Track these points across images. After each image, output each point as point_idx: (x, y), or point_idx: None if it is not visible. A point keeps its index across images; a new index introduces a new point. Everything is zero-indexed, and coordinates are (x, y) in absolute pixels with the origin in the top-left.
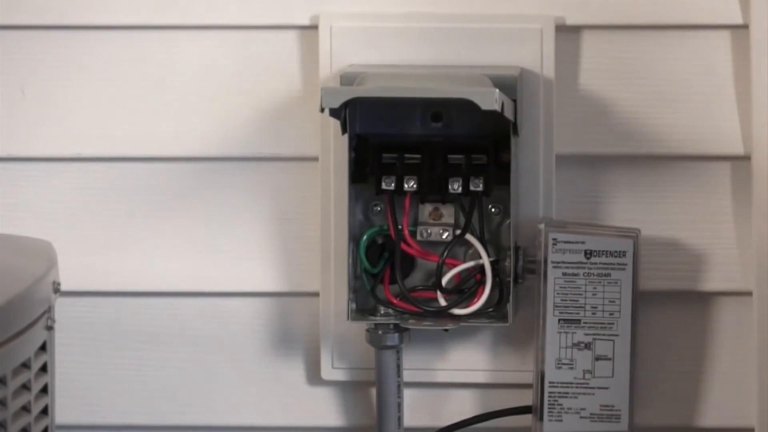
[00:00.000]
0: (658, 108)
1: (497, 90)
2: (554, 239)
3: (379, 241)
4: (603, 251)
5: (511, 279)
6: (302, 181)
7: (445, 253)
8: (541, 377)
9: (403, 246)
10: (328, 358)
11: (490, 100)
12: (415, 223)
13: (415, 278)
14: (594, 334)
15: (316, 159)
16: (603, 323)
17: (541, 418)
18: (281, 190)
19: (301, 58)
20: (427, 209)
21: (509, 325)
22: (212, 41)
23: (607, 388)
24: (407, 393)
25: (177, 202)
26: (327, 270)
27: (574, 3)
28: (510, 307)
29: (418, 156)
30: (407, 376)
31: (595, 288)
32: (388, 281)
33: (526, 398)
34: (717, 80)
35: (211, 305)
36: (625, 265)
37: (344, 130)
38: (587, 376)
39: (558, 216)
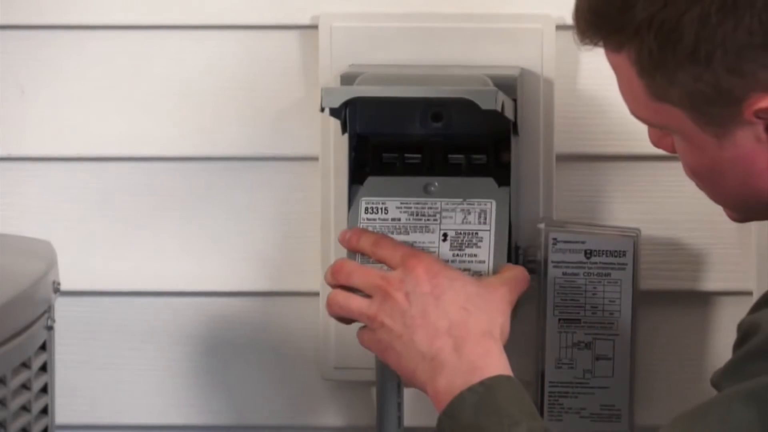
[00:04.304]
0: None
1: (497, 90)
2: (554, 239)
3: None
4: (603, 251)
5: None
6: (302, 181)
7: None
8: (541, 377)
9: None
10: (328, 358)
11: (490, 100)
12: None
13: None
14: (594, 334)
15: (316, 159)
16: (603, 323)
17: (542, 418)
18: (281, 190)
19: (301, 58)
20: None
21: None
22: (212, 41)
23: (607, 388)
24: (407, 393)
25: (177, 202)
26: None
27: (574, 3)
28: None
29: (419, 156)
30: None
31: (595, 288)
32: None
33: None
34: None
35: (211, 305)
36: (625, 264)
37: (344, 130)
38: (587, 375)
39: (558, 216)
